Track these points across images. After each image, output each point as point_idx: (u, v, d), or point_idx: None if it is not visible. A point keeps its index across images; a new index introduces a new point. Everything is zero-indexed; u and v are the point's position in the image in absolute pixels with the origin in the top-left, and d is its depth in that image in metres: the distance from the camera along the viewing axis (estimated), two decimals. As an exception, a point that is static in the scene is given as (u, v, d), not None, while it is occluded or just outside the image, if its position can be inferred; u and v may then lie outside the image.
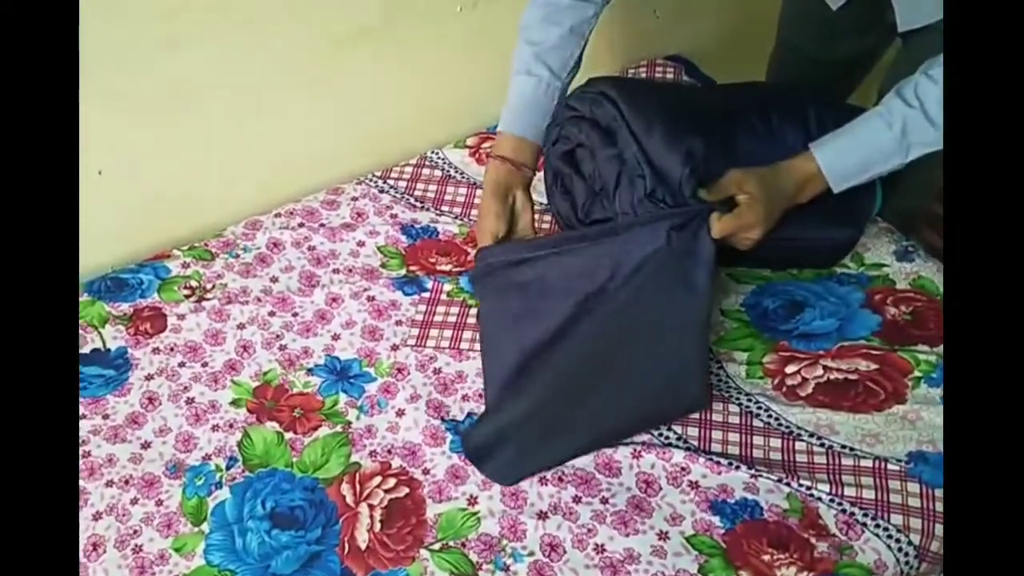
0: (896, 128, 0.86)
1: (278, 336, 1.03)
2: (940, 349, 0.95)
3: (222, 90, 1.08)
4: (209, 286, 1.08)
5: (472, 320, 1.02)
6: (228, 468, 0.90)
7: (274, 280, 1.09)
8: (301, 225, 1.15)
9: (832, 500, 0.83)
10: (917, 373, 0.93)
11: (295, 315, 1.05)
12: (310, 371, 0.99)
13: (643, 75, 1.38)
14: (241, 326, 1.03)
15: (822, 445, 0.88)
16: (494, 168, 0.95)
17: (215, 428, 0.94)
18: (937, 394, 0.91)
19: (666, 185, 0.88)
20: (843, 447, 0.87)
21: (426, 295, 1.06)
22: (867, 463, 0.85)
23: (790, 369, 0.95)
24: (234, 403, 0.96)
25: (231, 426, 0.94)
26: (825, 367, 0.95)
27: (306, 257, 1.11)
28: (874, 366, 0.94)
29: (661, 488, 0.85)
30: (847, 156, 0.89)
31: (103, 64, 0.95)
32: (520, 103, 0.95)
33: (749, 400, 0.93)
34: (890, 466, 0.84)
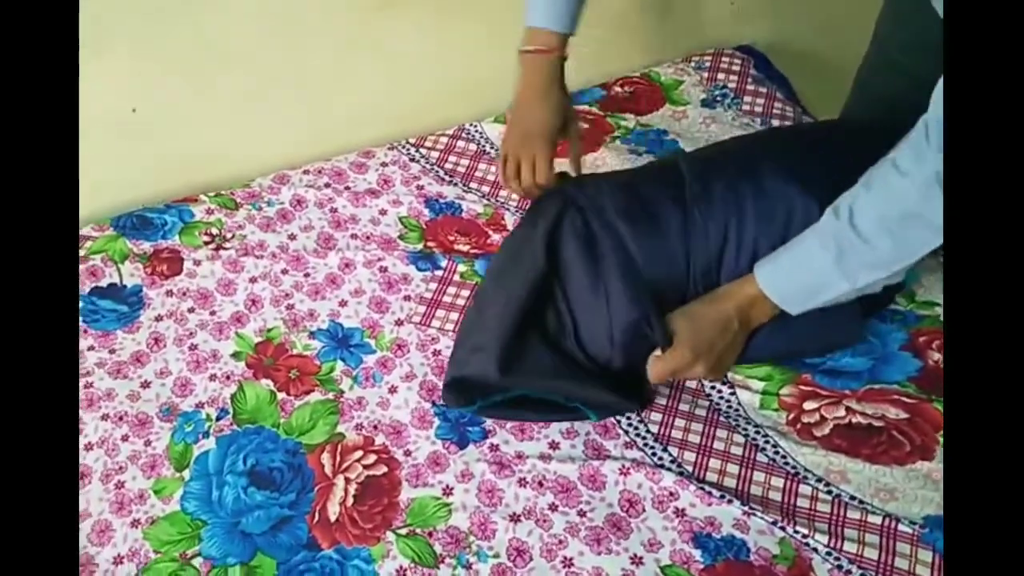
0: (831, 250, 0.77)
1: (287, 294, 1.03)
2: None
3: (259, 44, 1.07)
4: (229, 235, 1.08)
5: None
6: (218, 419, 0.91)
7: (292, 237, 1.09)
8: (327, 185, 1.14)
9: (829, 553, 0.77)
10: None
11: (307, 275, 1.05)
12: (312, 334, 0.99)
13: (708, 65, 1.29)
14: (253, 279, 1.04)
15: (829, 492, 0.81)
16: (532, 62, 0.90)
17: (212, 377, 0.95)
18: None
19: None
20: (852, 498, 0.81)
21: (439, 273, 1.04)
22: (876, 519, 0.79)
23: (809, 406, 0.89)
24: (235, 355, 0.97)
25: (228, 378, 0.95)
26: (848, 408, 0.88)
27: (327, 218, 1.11)
28: (904, 415, 0.86)
29: (644, 510, 0.82)
30: (788, 278, 0.82)
31: (136, 11, 0.95)
32: None
33: (757, 432, 0.87)
34: (902, 527, 0.78)
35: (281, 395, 0.93)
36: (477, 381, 0.87)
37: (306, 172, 1.15)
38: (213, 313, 1.01)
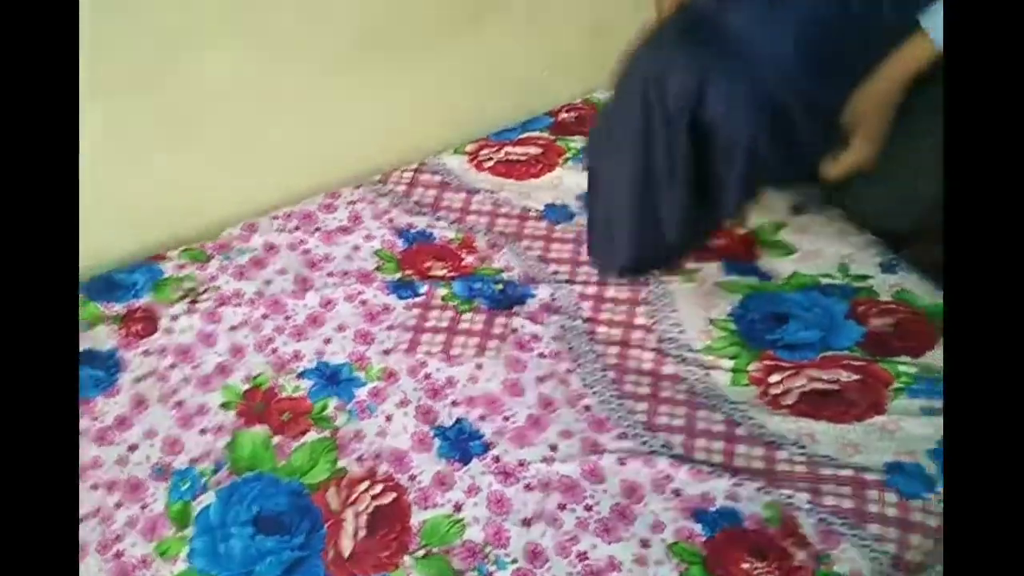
0: None
1: (270, 339, 1.03)
2: (921, 360, 0.96)
3: (225, 97, 1.09)
4: (203, 288, 1.08)
5: (464, 326, 1.03)
6: (215, 472, 0.90)
7: (268, 283, 1.09)
8: (297, 228, 1.15)
9: (811, 509, 0.83)
10: (898, 384, 0.93)
11: (287, 318, 1.05)
12: (300, 375, 0.99)
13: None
14: (234, 328, 1.04)
15: (803, 454, 0.88)
16: None
17: (203, 431, 0.94)
18: (917, 405, 0.91)
19: None
20: (823, 456, 0.87)
21: (420, 299, 1.06)
22: (846, 473, 0.85)
23: (774, 378, 0.96)
24: (224, 406, 0.97)
25: (219, 429, 0.94)
26: (808, 377, 0.95)
27: (301, 260, 1.12)
28: (856, 376, 0.94)
29: (645, 496, 0.85)
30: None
31: (107, 63, 0.96)
32: None
33: (733, 408, 0.93)
34: (868, 476, 0.85)
35: (277, 439, 0.93)
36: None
37: (275, 218, 1.16)
38: (196, 367, 1.01)
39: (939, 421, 0.88)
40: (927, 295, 1.02)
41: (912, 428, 0.89)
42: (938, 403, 0.91)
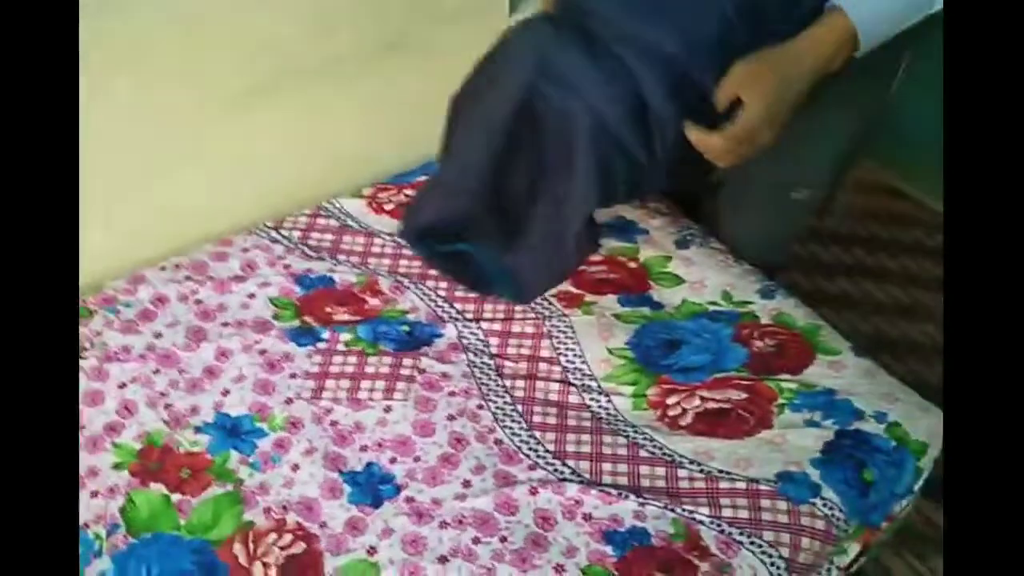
0: None
1: (163, 394, 0.99)
2: (801, 377, 1.04)
3: (110, 143, 1.04)
4: (87, 344, 1.02)
5: (371, 370, 1.02)
6: (109, 535, 0.85)
7: (158, 336, 1.05)
8: (188, 278, 1.11)
9: (712, 522, 0.87)
10: (781, 400, 1.00)
11: (181, 372, 1.01)
12: (198, 429, 0.95)
13: None
14: (122, 385, 0.99)
15: (701, 471, 0.93)
16: None
17: (94, 494, 0.89)
18: (800, 418, 0.99)
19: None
20: (720, 471, 0.93)
21: (322, 346, 1.05)
22: (741, 485, 0.91)
23: (671, 400, 1.01)
24: (116, 467, 0.91)
25: (112, 491, 0.89)
26: (702, 397, 1.01)
27: (193, 311, 1.08)
28: (744, 395, 1.01)
29: (557, 522, 0.87)
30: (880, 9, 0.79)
31: None
32: None
33: (635, 432, 0.97)
34: (761, 487, 0.90)
35: (176, 496, 0.89)
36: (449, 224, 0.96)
37: (163, 269, 1.12)
38: (82, 428, 0.95)
39: (819, 432, 0.96)
40: (802, 317, 1.12)
41: (796, 440, 0.96)
42: (817, 415, 0.98)
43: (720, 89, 0.86)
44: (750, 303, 1.14)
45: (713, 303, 1.14)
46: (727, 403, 1.01)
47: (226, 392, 1.00)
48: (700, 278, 1.16)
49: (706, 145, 0.86)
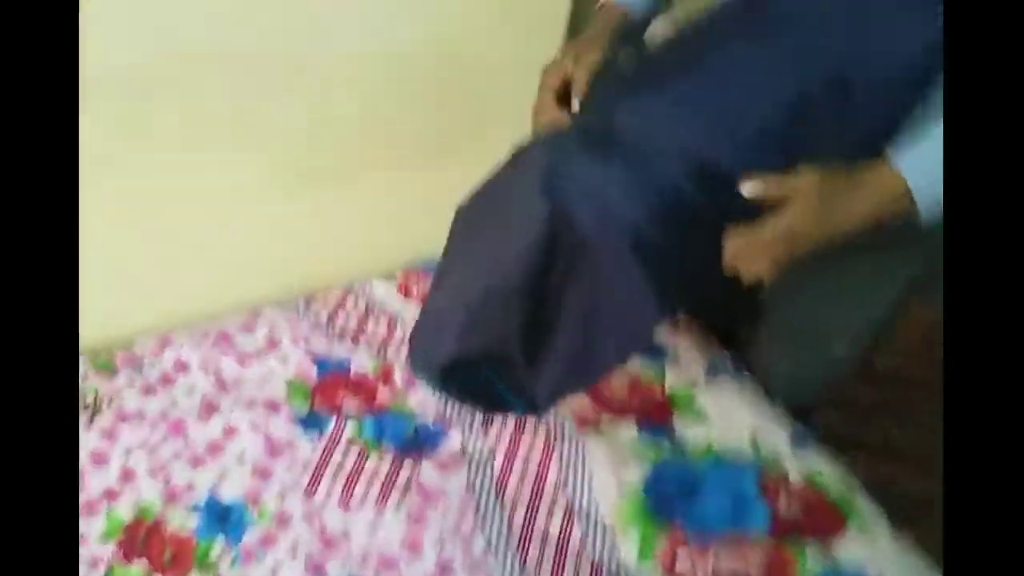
0: None
1: (164, 466, 0.99)
2: (828, 547, 0.95)
3: (153, 209, 1.07)
4: (106, 402, 1.05)
5: (369, 468, 1.00)
6: (81, 613, 0.85)
7: (174, 403, 1.06)
8: (213, 346, 1.13)
9: None
10: (802, 571, 0.93)
11: (187, 444, 1.02)
12: (191, 509, 0.95)
13: None
14: (128, 450, 1.00)
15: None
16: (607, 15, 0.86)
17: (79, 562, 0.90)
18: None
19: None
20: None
21: (325, 436, 1.04)
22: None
23: (682, 555, 0.94)
24: (104, 536, 0.92)
25: (96, 563, 0.90)
26: (715, 555, 0.94)
27: (211, 381, 1.09)
28: (761, 559, 0.94)
29: None
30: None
31: None
32: None
33: (638, 585, 0.91)
34: None
35: (154, 578, 0.89)
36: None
37: (191, 334, 1.14)
38: (81, 490, 0.96)
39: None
40: (836, 482, 1.03)
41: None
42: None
43: (769, 183, 0.73)
44: (779, 453, 1.06)
45: (738, 450, 1.06)
46: (742, 564, 0.93)
47: (224, 473, 1.00)
48: (727, 417, 1.09)
49: (743, 243, 0.74)
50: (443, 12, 1.12)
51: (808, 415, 1.13)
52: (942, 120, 0.60)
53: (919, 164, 0.69)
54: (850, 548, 0.96)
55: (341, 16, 1.05)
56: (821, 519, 0.99)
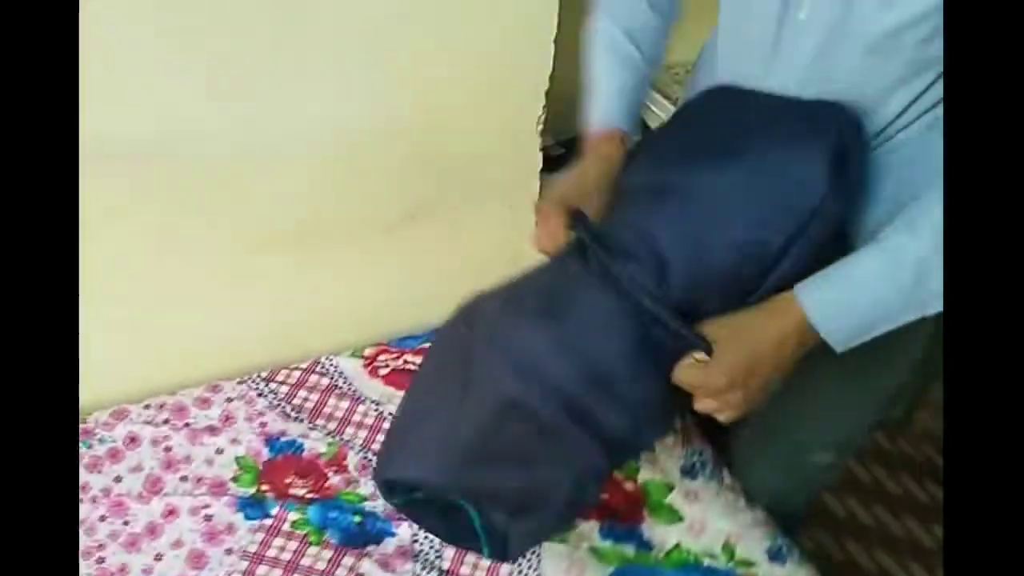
0: (906, 272, 0.66)
1: (101, 545, 0.96)
2: None
3: (127, 275, 1.07)
4: (51, 475, 1.02)
5: (307, 562, 0.95)
6: None
7: (118, 480, 1.03)
8: (166, 422, 1.10)
9: None
10: None
11: (126, 523, 0.98)
12: (119, 595, 0.91)
13: None
14: (65, 528, 0.97)
15: None
16: (599, 161, 0.83)
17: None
18: None
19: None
20: None
21: (268, 522, 0.99)
22: None
23: None
24: (28, 620, 0.88)
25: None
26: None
27: (159, 458, 1.06)
28: None
29: None
30: (846, 308, 0.69)
31: None
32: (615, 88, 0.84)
33: None
34: None
35: (67, 672, 0.84)
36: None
37: (147, 407, 1.12)
38: (12, 569, 0.93)
39: None
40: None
41: None
42: None
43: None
44: (753, 564, 0.96)
45: (710, 555, 0.97)
46: None
47: (159, 556, 0.95)
48: (702, 520, 1.01)
49: (679, 371, 0.74)
50: (424, 83, 1.10)
51: (794, 529, 1.03)
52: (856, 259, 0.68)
53: (821, 297, 0.70)
54: None
55: (315, 89, 1.05)
56: (796, 641, 0.89)
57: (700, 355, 0.73)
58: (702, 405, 0.74)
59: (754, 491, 1.02)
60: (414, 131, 1.13)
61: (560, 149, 1.40)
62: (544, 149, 1.24)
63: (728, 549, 0.98)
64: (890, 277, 0.68)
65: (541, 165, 1.24)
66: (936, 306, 0.68)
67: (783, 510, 1.01)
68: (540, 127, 1.19)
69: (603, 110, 0.85)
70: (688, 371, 0.74)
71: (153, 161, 1.01)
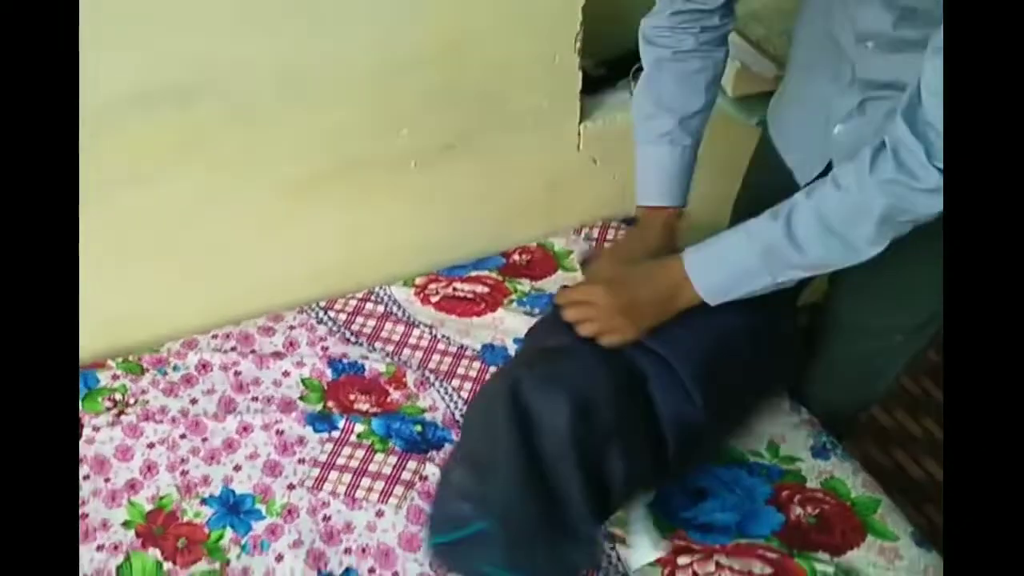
0: (757, 245, 0.82)
1: (183, 460, 1.04)
2: (843, 559, 0.90)
3: (178, 217, 1.13)
4: (132, 400, 1.10)
5: (374, 468, 1.02)
6: (98, 593, 0.89)
7: (194, 402, 1.11)
8: (233, 349, 1.17)
9: None
10: (812, 584, 0.88)
11: (204, 440, 1.06)
12: (204, 501, 0.99)
13: (596, 236, 1.35)
14: (151, 445, 1.05)
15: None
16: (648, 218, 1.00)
17: (100, 548, 0.94)
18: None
19: None
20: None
21: (336, 434, 1.06)
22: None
23: (682, 560, 0.91)
24: (125, 524, 0.97)
25: (116, 548, 0.94)
26: (718, 564, 0.90)
27: (230, 382, 1.13)
28: (768, 570, 0.89)
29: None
30: (715, 267, 0.86)
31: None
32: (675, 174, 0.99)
33: (634, 588, 0.89)
34: None
35: (168, 565, 0.92)
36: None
37: (214, 336, 1.19)
38: (108, 480, 1.01)
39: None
40: (859, 486, 0.97)
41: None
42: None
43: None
44: (798, 459, 1.01)
45: (755, 453, 1.02)
46: (747, 575, 0.89)
47: (238, 467, 1.03)
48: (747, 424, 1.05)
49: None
50: (453, 4, 1.10)
51: (841, 439, 1.07)
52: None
53: (696, 257, 0.86)
54: (867, 560, 0.91)
55: (347, 19, 1.06)
56: (837, 527, 0.94)
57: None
58: (571, 315, 0.90)
59: (810, 400, 1.06)
60: (446, 58, 1.13)
61: (601, 70, 1.35)
62: (584, 70, 1.24)
63: (773, 448, 1.03)
64: (746, 250, 0.83)
65: (581, 87, 1.25)
66: (784, 277, 0.83)
67: (834, 421, 1.06)
68: (578, 46, 1.19)
69: (658, 192, 1.00)
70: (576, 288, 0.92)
71: (195, 106, 1.04)
